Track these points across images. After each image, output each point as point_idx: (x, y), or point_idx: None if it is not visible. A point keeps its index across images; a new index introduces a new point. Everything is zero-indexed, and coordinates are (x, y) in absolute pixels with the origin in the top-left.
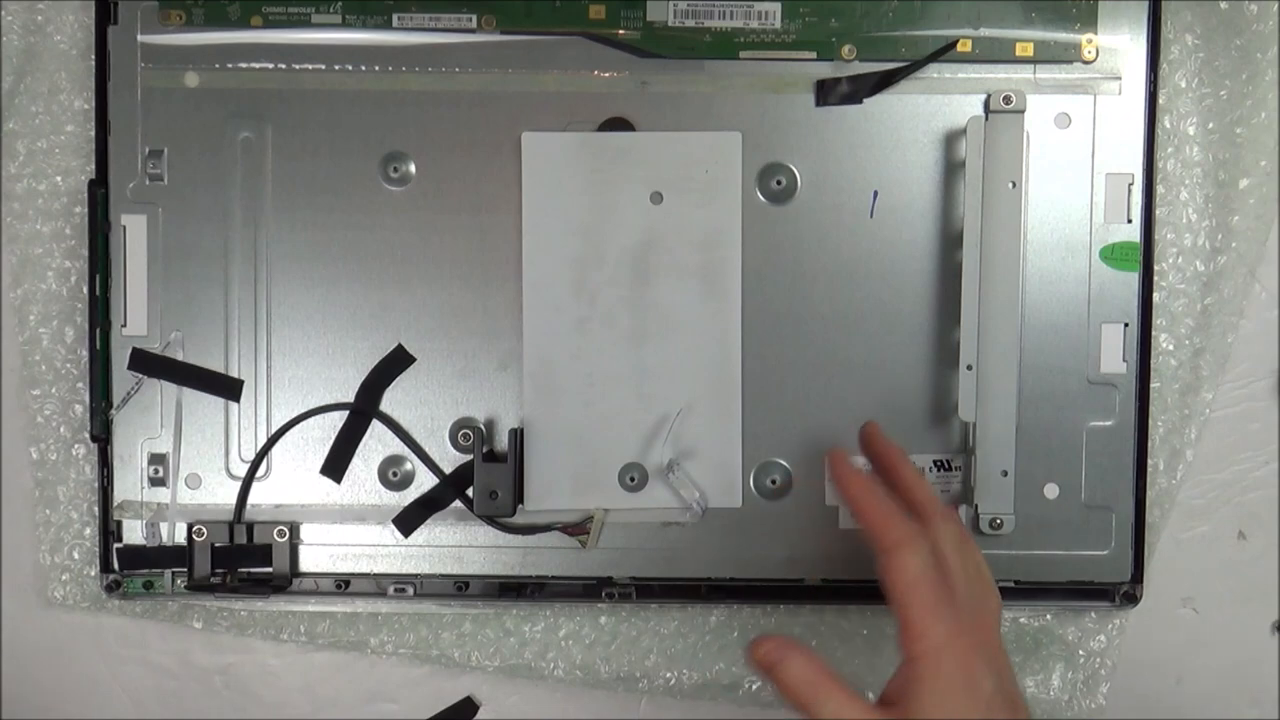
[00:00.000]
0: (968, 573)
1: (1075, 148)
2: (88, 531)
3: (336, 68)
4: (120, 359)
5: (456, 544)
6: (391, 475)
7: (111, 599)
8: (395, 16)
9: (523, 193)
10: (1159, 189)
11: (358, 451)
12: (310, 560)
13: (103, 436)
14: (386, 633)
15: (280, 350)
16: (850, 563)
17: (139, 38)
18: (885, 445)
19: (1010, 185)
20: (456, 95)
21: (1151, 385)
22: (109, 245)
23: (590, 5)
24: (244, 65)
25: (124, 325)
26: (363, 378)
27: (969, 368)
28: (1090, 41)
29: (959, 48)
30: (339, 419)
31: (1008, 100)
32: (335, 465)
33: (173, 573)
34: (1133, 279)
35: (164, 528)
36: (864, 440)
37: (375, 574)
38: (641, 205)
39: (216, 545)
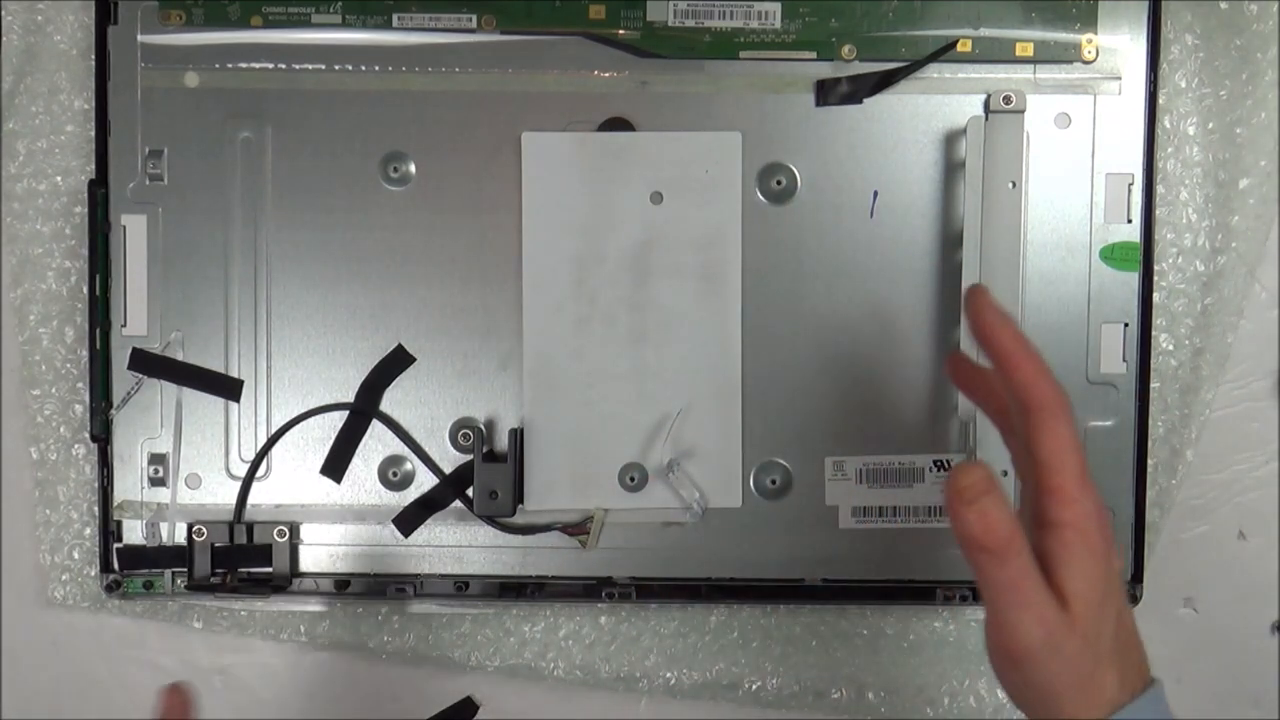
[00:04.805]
0: None
1: (1075, 148)
2: (88, 531)
3: (336, 68)
4: (120, 359)
5: (456, 544)
6: (391, 475)
7: (111, 599)
8: (395, 16)
9: (523, 193)
10: (1159, 189)
11: (358, 451)
12: (310, 560)
13: (103, 436)
14: (386, 633)
15: (280, 350)
16: (850, 563)
17: (139, 38)
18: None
19: (1010, 185)
20: (456, 95)
21: (1151, 385)
22: (109, 245)
23: (590, 5)
24: (244, 65)
25: (124, 325)
26: (363, 378)
27: None
28: (1090, 41)
29: (959, 48)
30: (339, 419)
31: (1008, 100)
32: (335, 465)
33: (173, 573)
34: (1133, 279)
35: (164, 528)
36: (971, 309)
37: (375, 574)
38: (641, 205)
39: (216, 545)
